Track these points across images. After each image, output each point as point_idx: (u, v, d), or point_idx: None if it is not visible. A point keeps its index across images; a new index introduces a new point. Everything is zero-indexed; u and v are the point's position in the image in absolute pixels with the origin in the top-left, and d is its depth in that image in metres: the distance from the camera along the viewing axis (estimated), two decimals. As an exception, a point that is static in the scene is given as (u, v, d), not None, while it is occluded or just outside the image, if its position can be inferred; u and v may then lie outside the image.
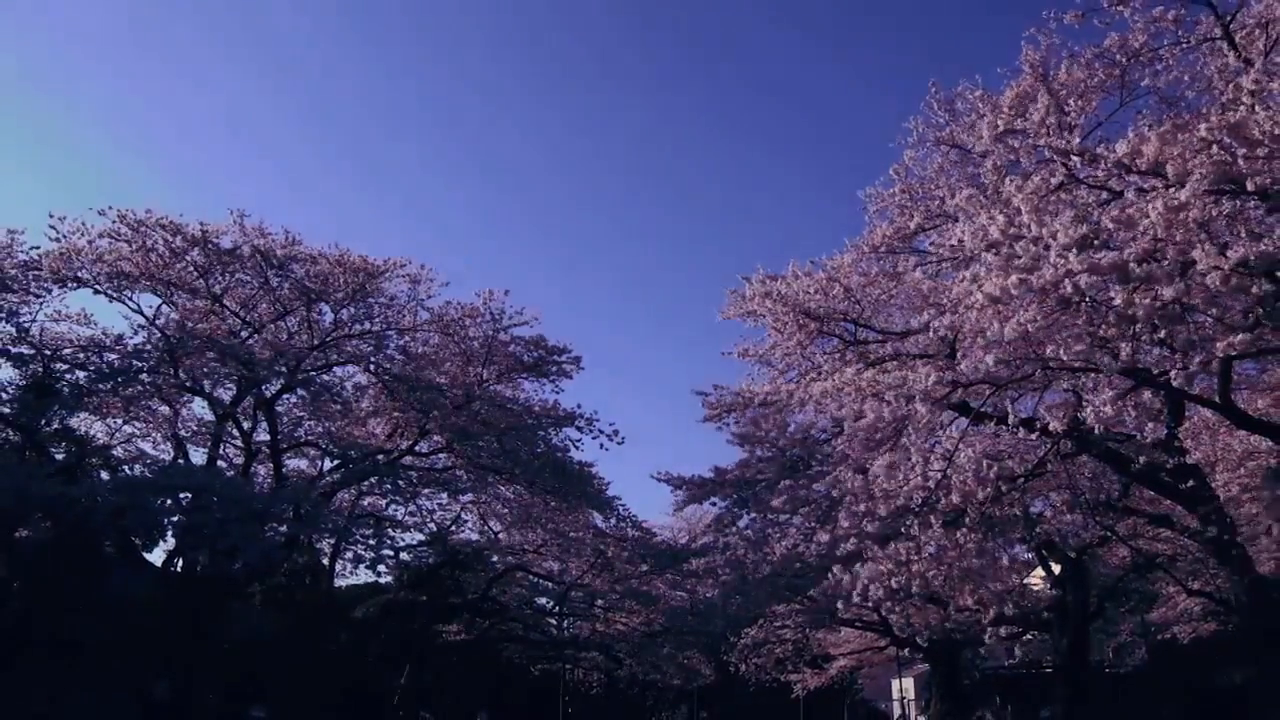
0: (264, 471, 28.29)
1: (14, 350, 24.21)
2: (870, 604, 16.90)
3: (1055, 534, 24.04)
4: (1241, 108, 10.67)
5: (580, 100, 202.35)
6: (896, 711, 58.24)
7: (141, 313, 26.38)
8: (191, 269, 25.92)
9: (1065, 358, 11.75)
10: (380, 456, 28.42)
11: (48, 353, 24.86)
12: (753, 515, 36.75)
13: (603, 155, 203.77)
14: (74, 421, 26.06)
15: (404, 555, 31.60)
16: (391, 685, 36.06)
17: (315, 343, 27.46)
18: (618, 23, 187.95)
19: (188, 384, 26.95)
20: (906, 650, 43.10)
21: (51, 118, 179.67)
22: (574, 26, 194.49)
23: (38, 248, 24.49)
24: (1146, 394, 14.40)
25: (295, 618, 28.75)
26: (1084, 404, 15.23)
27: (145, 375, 25.82)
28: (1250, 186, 10.18)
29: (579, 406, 30.96)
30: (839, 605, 16.25)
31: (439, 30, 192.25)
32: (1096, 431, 14.07)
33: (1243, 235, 10.71)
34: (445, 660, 39.51)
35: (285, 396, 28.07)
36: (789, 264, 22.60)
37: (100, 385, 25.07)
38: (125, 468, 25.77)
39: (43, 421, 24.60)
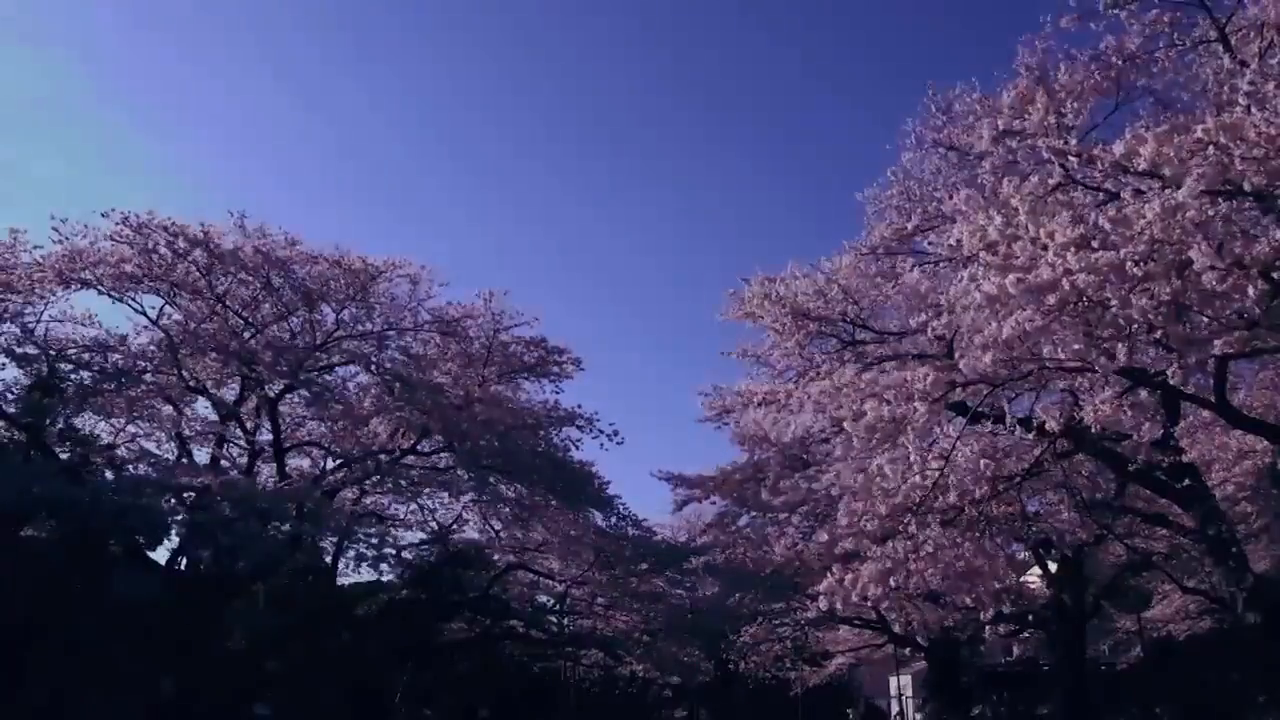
0: (267, 471, 28.49)
1: (19, 351, 24.48)
2: (869, 602, 17.07)
3: (1052, 533, 24.27)
4: (1237, 109, 10.83)
5: (579, 101, 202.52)
6: (895, 709, 58.47)
7: (145, 314, 26.68)
8: (194, 270, 26.10)
9: (1063, 356, 11.91)
10: (382, 456, 28.64)
11: (52, 353, 25.07)
12: (752, 514, 36.98)
13: (603, 156, 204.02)
14: (78, 421, 26.20)
15: (405, 554, 31.90)
16: (393, 683, 36.17)
17: (317, 343, 27.68)
18: (616, 24, 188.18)
19: (191, 384, 27.20)
20: (907, 649, 43.32)
21: (53, 115, 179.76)
22: (572, 27, 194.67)
23: (40, 248, 24.77)
24: (1143, 394, 14.55)
25: (298, 616, 28.82)
26: (1080, 404, 15.38)
27: (149, 375, 26.09)
28: (1246, 187, 10.31)
29: (579, 406, 31.32)
30: (837, 605, 16.37)
31: (436, 29, 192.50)
32: (1093, 431, 14.24)
33: (1238, 236, 10.86)
34: (447, 658, 39.64)
35: (288, 396, 28.26)
36: (788, 265, 22.82)
37: (104, 385, 25.30)
38: (129, 467, 25.81)
39: (47, 421, 24.76)
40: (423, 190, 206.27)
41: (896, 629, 36.54)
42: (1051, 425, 14.45)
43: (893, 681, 57.98)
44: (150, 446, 27.89)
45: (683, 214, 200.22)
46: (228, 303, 27.20)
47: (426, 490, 32.00)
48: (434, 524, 33.89)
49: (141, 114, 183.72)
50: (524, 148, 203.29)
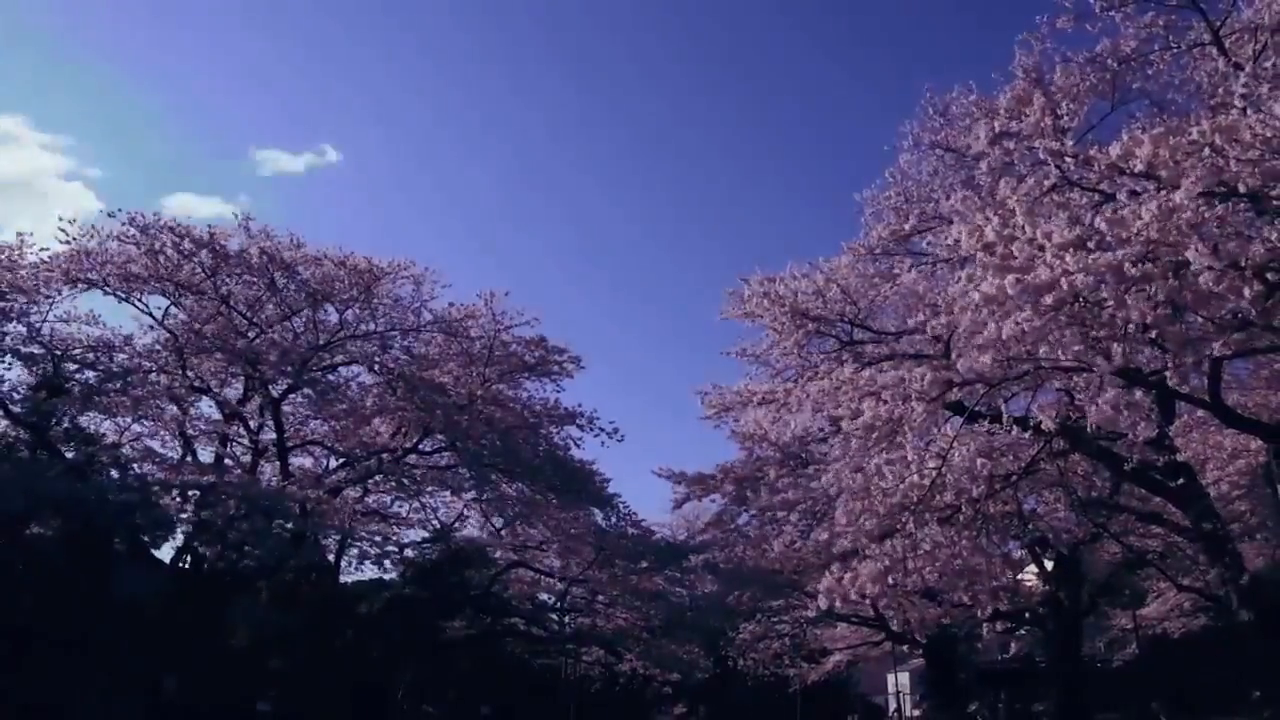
0: (270, 470, 28.67)
1: (24, 350, 24.64)
2: (867, 600, 17.24)
3: (1048, 531, 24.39)
4: (1233, 111, 11.02)
5: (580, 101, 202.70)
6: (892, 706, 58.66)
7: (150, 314, 26.89)
8: (199, 271, 26.30)
9: (1059, 357, 12.08)
10: (384, 455, 28.87)
11: (57, 353, 25.26)
12: (752, 512, 37.13)
13: (603, 157, 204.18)
14: (83, 420, 26.37)
15: (408, 552, 32.08)
16: (395, 680, 36.33)
17: (321, 343, 27.88)
18: (617, 25, 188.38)
19: (195, 384, 27.37)
20: (904, 646, 43.47)
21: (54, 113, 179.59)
22: (572, 28, 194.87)
23: (47, 249, 24.97)
24: (1138, 393, 14.74)
25: (301, 614, 28.99)
26: (1076, 403, 15.55)
27: (153, 375, 26.26)
28: (1242, 189, 10.47)
29: (579, 405, 31.58)
30: (835, 603, 16.55)
31: (436, 31, 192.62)
32: (1089, 430, 14.42)
33: (1234, 237, 11.03)
34: (448, 656, 39.77)
35: (291, 396, 28.43)
36: (787, 265, 22.99)
37: (109, 385, 25.46)
38: (134, 466, 25.98)
39: (53, 421, 24.92)
40: (424, 189, 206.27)
41: (894, 627, 36.62)
42: (1047, 425, 14.63)
43: (890, 679, 58.16)
44: (155, 445, 28.17)
45: (684, 213, 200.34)
46: (232, 303, 27.39)
47: (428, 489, 32.32)
48: (436, 522, 34.19)
49: (142, 111, 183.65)
50: (524, 147, 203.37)
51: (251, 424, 28.51)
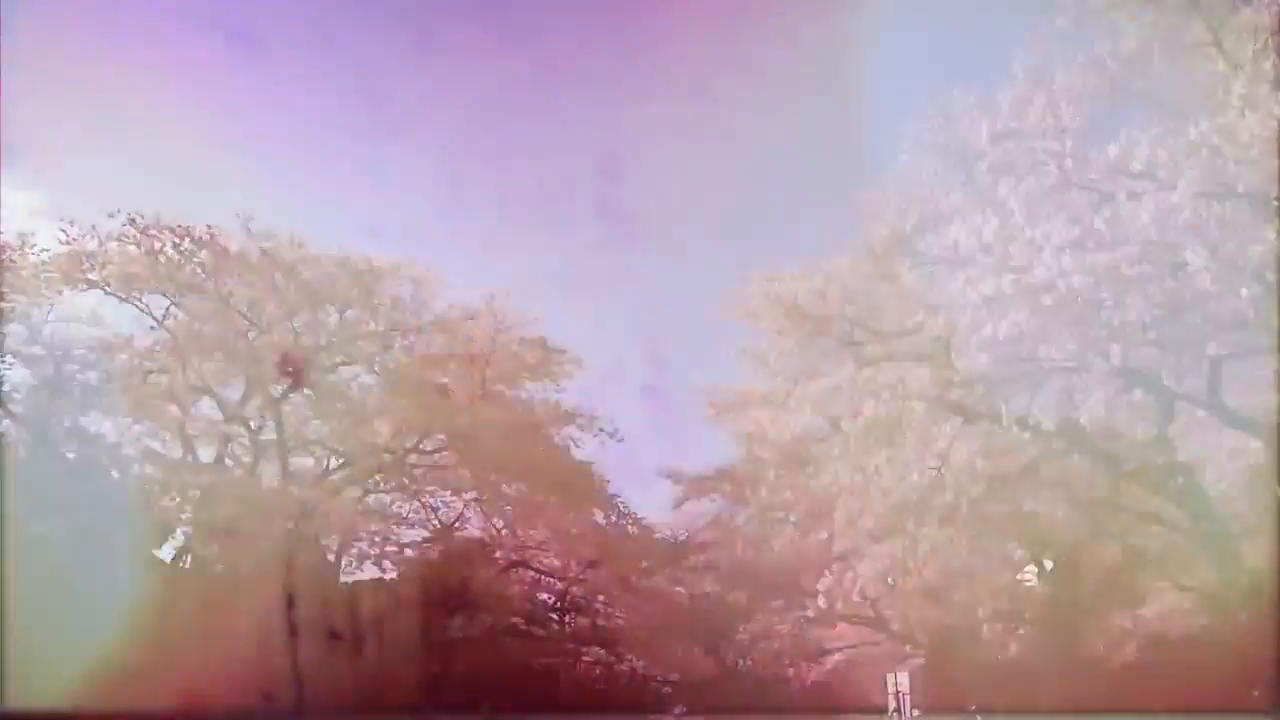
0: (271, 470, 28.60)
1: (26, 351, 24.58)
2: (867, 600, 17.24)
3: (1048, 531, 24.32)
4: (1231, 111, 11.02)
5: (580, 100, 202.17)
6: (892, 705, 58.42)
7: (150, 314, 26.80)
8: (200, 271, 26.26)
9: (1057, 357, 12.08)
10: (385, 455, 28.81)
11: (59, 353, 25.17)
12: (751, 512, 37.11)
13: (603, 156, 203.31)
14: (85, 421, 26.27)
15: (408, 551, 32.03)
16: (395, 680, 36.28)
17: (321, 344, 27.82)
18: (618, 21, 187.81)
19: (196, 384, 27.29)
20: (905, 646, 43.41)
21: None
22: (570, 26, 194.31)
23: (48, 250, 24.90)
24: (1138, 393, 14.73)
25: (302, 613, 28.96)
26: (1075, 403, 15.54)
27: (154, 376, 26.23)
28: (1240, 189, 10.44)
29: (579, 406, 31.59)
30: (836, 603, 16.58)
31: (439, 26, 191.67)
32: (1088, 430, 14.43)
33: (1233, 237, 11.00)
34: (448, 655, 39.76)
35: (291, 396, 28.38)
36: (788, 266, 22.98)
37: (110, 385, 25.40)
38: (135, 466, 25.94)
39: (54, 421, 24.86)
40: (421, 188, 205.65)
41: (894, 626, 36.66)
42: (1047, 425, 14.64)
43: (890, 679, 57.94)
44: (155, 446, 28.06)
45: (684, 213, 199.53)
46: (232, 303, 27.32)
47: (428, 489, 32.21)
48: (436, 522, 34.07)
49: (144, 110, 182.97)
50: (524, 145, 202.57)
51: (252, 424, 28.43)
